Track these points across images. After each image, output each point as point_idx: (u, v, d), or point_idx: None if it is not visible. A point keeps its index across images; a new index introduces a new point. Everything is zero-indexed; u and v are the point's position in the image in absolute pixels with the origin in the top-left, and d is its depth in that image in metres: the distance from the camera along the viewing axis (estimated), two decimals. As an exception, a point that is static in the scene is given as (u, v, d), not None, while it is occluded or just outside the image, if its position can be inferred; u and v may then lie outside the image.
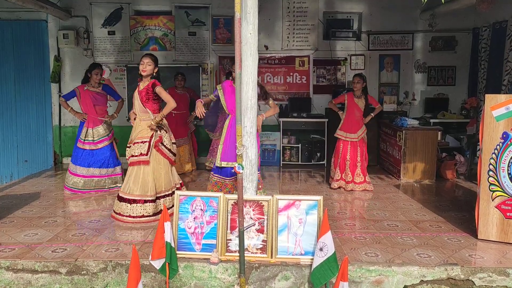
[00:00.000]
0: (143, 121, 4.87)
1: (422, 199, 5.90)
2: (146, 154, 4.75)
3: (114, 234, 4.38)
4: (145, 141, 4.77)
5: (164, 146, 4.88)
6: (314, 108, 8.48)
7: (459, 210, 5.37)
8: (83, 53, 8.36)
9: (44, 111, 8.43)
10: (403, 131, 6.87)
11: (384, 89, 8.54)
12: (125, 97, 8.23)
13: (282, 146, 8.19)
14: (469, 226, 4.68)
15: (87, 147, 6.14)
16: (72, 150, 6.40)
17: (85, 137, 6.15)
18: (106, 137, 6.30)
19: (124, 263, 3.70)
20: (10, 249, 3.94)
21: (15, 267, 3.69)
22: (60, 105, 8.51)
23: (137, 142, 4.79)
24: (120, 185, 6.17)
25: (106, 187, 6.21)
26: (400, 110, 8.34)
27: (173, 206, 4.62)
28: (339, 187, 6.34)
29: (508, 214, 4.14)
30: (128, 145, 4.90)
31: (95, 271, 3.69)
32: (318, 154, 8.18)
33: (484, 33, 7.82)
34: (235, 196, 3.85)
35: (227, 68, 8.35)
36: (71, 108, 6.31)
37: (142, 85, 4.91)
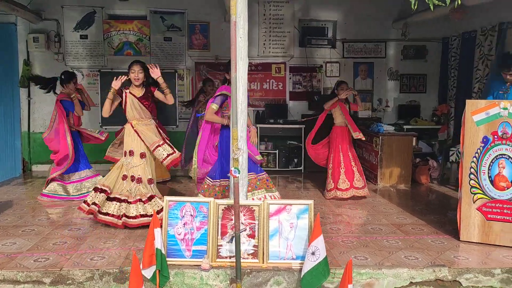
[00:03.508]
0: (145, 126, 4.85)
1: (401, 203, 6.01)
2: (175, 152, 4.77)
3: (98, 242, 4.24)
4: (162, 143, 4.79)
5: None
6: (291, 115, 8.53)
7: (437, 213, 5.50)
8: (54, 57, 8.13)
9: (12, 117, 8.09)
10: (380, 137, 7.00)
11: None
12: (98, 103, 8.05)
13: (259, 152, 8.16)
14: (449, 228, 4.80)
15: None
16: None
17: None
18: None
19: (112, 272, 3.58)
20: (-12, 259, 3.75)
21: (-5, 278, 3.51)
22: (29, 111, 8.24)
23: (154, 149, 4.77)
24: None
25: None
26: (375, 116, 8.51)
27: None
28: (334, 197, 6.09)
29: (489, 216, 4.27)
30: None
31: (81, 280, 3.56)
32: (296, 160, 8.22)
33: (454, 42, 8.10)
34: (225, 201, 3.81)
35: (203, 74, 8.31)
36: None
37: (138, 93, 4.82)
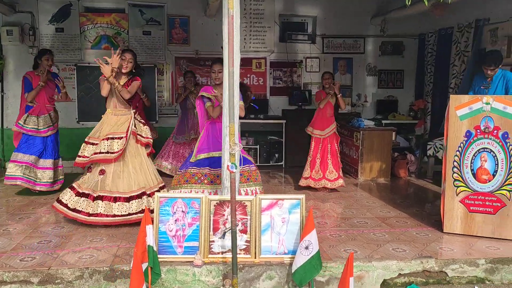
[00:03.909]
0: (121, 116, 4.72)
1: (382, 196, 6.12)
2: (116, 152, 4.56)
3: (85, 240, 4.15)
4: (121, 137, 4.62)
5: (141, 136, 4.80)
6: (271, 110, 8.55)
7: (418, 206, 5.63)
8: (28, 50, 7.86)
9: (-16, 113, 7.85)
10: (360, 132, 7.10)
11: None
12: (74, 98, 7.88)
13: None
14: (431, 220, 4.92)
15: (29, 133, 5.87)
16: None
17: (24, 123, 5.87)
18: (52, 126, 6.07)
19: (102, 270, 3.52)
20: (-29, 260, 3.63)
21: (-20, 279, 3.40)
22: (2, 107, 7.99)
23: (110, 138, 4.59)
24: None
25: (51, 180, 5.95)
26: (354, 111, 8.62)
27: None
28: (307, 186, 6.28)
29: (471, 208, 4.40)
30: (90, 141, 4.68)
31: (70, 279, 3.48)
32: (277, 155, 8.25)
33: (430, 38, 8.27)
34: (217, 197, 3.80)
35: (183, 69, 8.23)
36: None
37: (122, 80, 4.71)
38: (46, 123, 5.98)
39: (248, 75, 8.51)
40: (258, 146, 8.22)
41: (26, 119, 5.89)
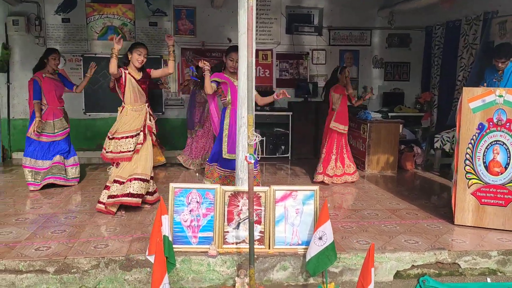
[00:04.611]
0: (135, 112, 4.76)
1: (390, 189, 6.13)
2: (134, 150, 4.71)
3: (98, 230, 4.17)
4: (139, 133, 4.70)
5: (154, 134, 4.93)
6: (278, 102, 8.53)
7: (427, 198, 5.65)
8: (34, 41, 7.84)
9: (-10, 103, 7.83)
10: (368, 124, 7.10)
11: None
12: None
13: (247, 139, 8.18)
14: (441, 212, 4.93)
15: (44, 139, 5.77)
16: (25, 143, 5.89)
17: (41, 130, 5.71)
18: (68, 128, 6.01)
19: (118, 259, 3.53)
20: (-14, 249, 3.64)
21: (-5, 268, 3.41)
22: (8, 97, 7.97)
23: (127, 137, 4.68)
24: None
25: (70, 176, 5.94)
26: (360, 104, 8.59)
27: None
28: (322, 182, 6.22)
29: (483, 200, 4.41)
30: (111, 136, 4.70)
31: (86, 268, 3.49)
32: (283, 147, 8.26)
33: (438, 31, 8.23)
34: (231, 188, 3.81)
35: (189, 60, 8.21)
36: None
37: (137, 75, 4.76)
38: (63, 125, 5.93)
39: (255, 67, 8.46)
40: (264, 138, 8.21)
41: (41, 126, 5.72)
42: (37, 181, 5.72)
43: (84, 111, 8.05)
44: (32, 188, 5.67)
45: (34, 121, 5.63)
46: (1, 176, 6.64)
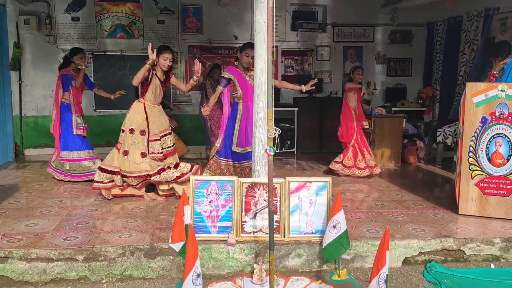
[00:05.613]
0: (158, 111, 5.15)
1: (395, 181, 6.34)
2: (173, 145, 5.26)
3: (121, 221, 4.37)
4: (169, 132, 5.22)
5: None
6: (283, 98, 8.73)
7: (431, 190, 5.86)
8: (45, 39, 8.03)
9: (3, 100, 7.95)
10: (372, 119, 7.30)
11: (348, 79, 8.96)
12: (91, 86, 8.04)
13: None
14: (445, 203, 5.13)
15: (80, 132, 6.05)
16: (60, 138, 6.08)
17: (77, 124, 6.02)
18: (86, 125, 6.25)
19: (143, 248, 3.73)
20: (17, 239, 3.82)
21: (28, 257, 3.60)
22: (20, 95, 8.14)
23: (163, 136, 5.13)
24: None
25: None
26: (364, 99, 8.78)
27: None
28: (347, 175, 6.49)
29: (486, 190, 4.62)
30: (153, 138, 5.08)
31: (113, 256, 3.69)
32: (289, 142, 8.46)
33: (439, 27, 8.43)
34: (249, 180, 4.00)
35: (197, 57, 8.38)
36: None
37: (162, 77, 5.04)
38: (83, 121, 6.18)
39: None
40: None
41: (77, 119, 6.04)
42: (75, 172, 6.01)
43: (94, 108, 8.24)
44: (68, 179, 6.00)
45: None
46: (17, 171, 6.82)
